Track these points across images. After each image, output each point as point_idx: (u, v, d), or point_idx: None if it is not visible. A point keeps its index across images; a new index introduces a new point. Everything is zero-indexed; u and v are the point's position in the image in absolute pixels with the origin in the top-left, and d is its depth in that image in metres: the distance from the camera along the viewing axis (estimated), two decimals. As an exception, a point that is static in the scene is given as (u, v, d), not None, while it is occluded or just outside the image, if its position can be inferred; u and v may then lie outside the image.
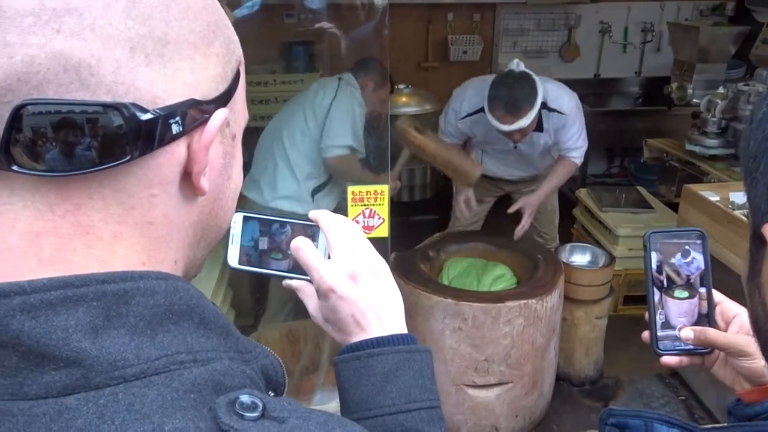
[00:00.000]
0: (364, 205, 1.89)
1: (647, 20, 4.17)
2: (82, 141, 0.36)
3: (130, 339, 0.37)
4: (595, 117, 3.84)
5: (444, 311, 2.18)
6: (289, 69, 3.66)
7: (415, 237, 2.72)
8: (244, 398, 0.38)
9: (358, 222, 1.91)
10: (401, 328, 0.62)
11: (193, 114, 0.40)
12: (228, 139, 0.46)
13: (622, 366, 2.71)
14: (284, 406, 0.40)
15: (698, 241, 0.72)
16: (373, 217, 1.91)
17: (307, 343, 2.33)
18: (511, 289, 2.32)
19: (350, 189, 1.89)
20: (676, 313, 0.72)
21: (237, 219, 0.64)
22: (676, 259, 0.72)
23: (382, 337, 0.60)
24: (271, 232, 0.64)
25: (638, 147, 3.36)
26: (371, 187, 1.90)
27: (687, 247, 0.72)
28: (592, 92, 4.21)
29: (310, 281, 0.62)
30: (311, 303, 0.63)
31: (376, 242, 2.07)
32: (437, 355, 2.24)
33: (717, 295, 0.73)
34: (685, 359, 0.73)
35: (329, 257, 0.61)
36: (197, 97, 0.41)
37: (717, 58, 3.20)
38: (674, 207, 2.86)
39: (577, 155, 2.55)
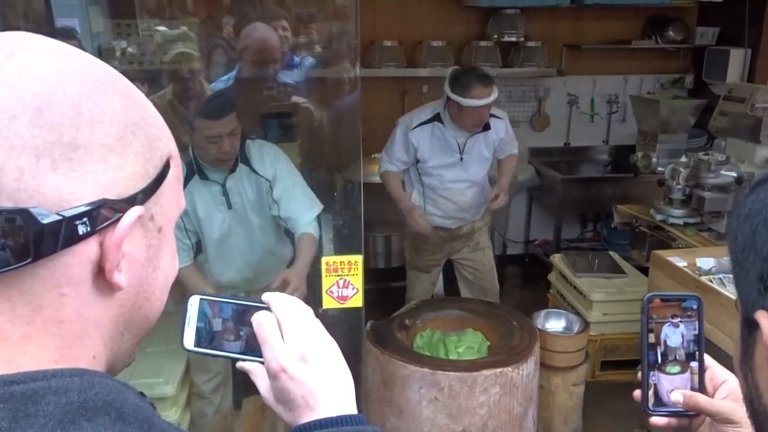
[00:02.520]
0: (338, 275, 1.90)
1: (612, 92, 4.37)
2: None
3: None
4: (568, 184, 3.96)
5: (420, 381, 2.16)
6: (268, 139, 3.73)
7: (391, 303, 2.73)
8: None
9: (332, 293, 1.92)
10: (351, 409, 0.63)
11: (104, 213, 0.42)
12: (153, 233, 0.47)
13: (602, 434, 2.69)
14: None
15: (694, 307, 0.74)
16: (347, 287, 1.92)
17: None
18: (486, 357, 2.32)
19: (324, 259, 1.91)
20: (668, 388, 0.74)
21: (193, 301, 0.65)
22: (671, 334, 0.74)
23: (331, 418, 0.61)
24: (226, 315, 0.66)
25: (610, 213, 3.45)
26: (345, 258, 1.93)
27: (680, 320, 0.74)
28: (564, 160, 4.36)
29: (262, 362, 0.63)
30: (263, 384, 0.64)
31: (351, 310, 2.06)
32: (415, 427, 2.21)
33: (707, 360, 0.76)
34: (673, 421, 0.75)
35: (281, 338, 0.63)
36: (111, 196, 0.42)
37: (678, 128, 3.35)
38: (646, 271, 2.92)
39: (515, 149, 3.05)
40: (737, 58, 3.80)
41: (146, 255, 0.47)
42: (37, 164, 0.39)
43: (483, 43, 4.00)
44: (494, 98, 2.67)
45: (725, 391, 0.73)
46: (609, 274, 3.18)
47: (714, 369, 0.76)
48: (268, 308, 0.65)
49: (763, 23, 3.77)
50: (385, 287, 3.80)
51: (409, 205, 2.95)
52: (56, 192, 0.40)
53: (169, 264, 0.51)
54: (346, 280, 1.90)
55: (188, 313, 0.65)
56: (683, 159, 2.99)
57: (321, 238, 2.41)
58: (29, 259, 0.39)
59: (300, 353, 0.62)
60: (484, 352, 2.39)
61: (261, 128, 3.71)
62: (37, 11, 3.16)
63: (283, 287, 2.06)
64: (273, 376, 0.62)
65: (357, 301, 1.92)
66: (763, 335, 0.47)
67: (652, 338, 0.74)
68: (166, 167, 0.48)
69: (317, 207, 2.33)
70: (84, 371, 0.41)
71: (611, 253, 3.49)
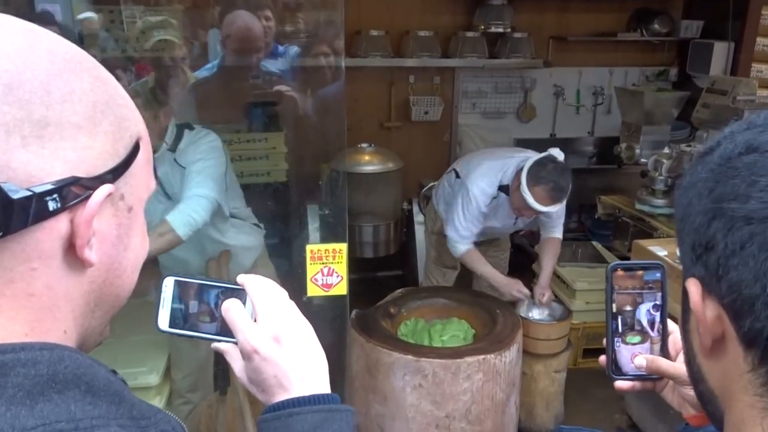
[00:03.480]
0: (323, 263, 1.91)
1: (597, 84, 4.39)
2: None
3: (5, 409, 0.38)
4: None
5: (404, 368, 2.18)
6: (253, 128, 3.72)
7: (378, 293, 2.74)
8: None
9: (316, 280, 1.93)
10: (324, 389, 0.64)
11: (74, 190, 0.42)
12: (123, 212, 0.48)
13: (583, 419, 2.73)
14: None
15: (657, 274, 0.76)
16: (331, 275, 1.93)
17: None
18: (469, 344, 2.35)
19: (309, 247, 1.91)
20: (628, 358, 0.77)
21: (168, 283, 0.66)
22: (631, 308, 0.76)
23: (303, 397, 0.62)
24: (201, 296, 0.66)
25: (593, 204, 3.49)
26: (330, 246, 1.94)
27: (643, 290, 0.76)
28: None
29: (236, 344, 0.64)
30: (237, 365, 0.65)
31: (336, 299, 2.07)
32: (399, 413, 2.23)
33: (671, 326, 0.78)
34: (637, 384, 0.78)
35: (255, 320, 0.64)
36: (80, 174, 0.43)
37: (661, 120, 3.39)
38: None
39: (560, 233, 2.82)
40: (720, 52, 3.83)
41: (117, 233, 0.47)
42: (7, 140, 0.40)
43: (470, 34, 4.00)
44: (558, 209, 2.49)
45: None
46: (592, 264, 3.22)
47: (677, 334, 0.79)
48: (242, 289, 0.66)
49: (746, 17, 3.81)
50: (371, 277, 3.82)
51: (510, 283, 2.69)
52: (26, 168, 0.40)
53: (140, 244, 0.51)
54: (330, 268, 1.91)
55: (162, 294, 0.66)
56: (666, 150, 3.03)
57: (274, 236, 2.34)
58: (0, 234, 0.39)
59: (273, 334, 0.62)
60: (470, 339, 2.41)
61: (246, 117, 3.71)
62: (17, -6, 3.12)
63: None
64: (246, 356, 0.63)
65: (341, 288, 1.93)
66: (691, 302, 0.49)
67: (615, 307, 0.76)
68: (136, 148, 0.49)
69: (204, 195, 2.06)
70: (54, 345, 0.42)
71: (594, 243, 3.53)
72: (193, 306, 0.66)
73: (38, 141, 0.41)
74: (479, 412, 2.21)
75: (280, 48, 3.54)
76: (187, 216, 2.01)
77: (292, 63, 3.57)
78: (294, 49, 3.57)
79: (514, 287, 2.67)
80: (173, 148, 2.14)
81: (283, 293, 0.66)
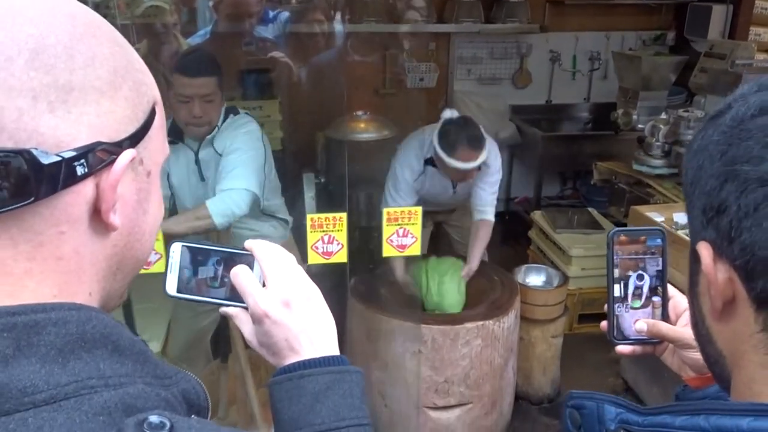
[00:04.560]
0: (323, 231, 1.91)
1: (594, 49, 4.35)
2: None
3: (40, 367, 0.39)
4: (548, 141, 3.97)
5: (404, 334, 2.21)
6: (247, 96, 3.68)
7: (376, 261, 2.75)
8: (153, 418, 0.40)
9: (317, 248, 1.94)
10: (333, 351, 0.65)
11: (99, 155, 0.43)
12: (142, 176, 0.48)
13: (579, 383, 2.78)
14: (192, 424, 0.42)
15: (658, 240, 0.77)
16: (332, 243, 1.94)
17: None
18: (468, 310, 2.37)
19: (309, 216, 1.91)
20: (629, 323, 0.78)
21: (176, 248, 0.66)
22: (633, 273, 0.77)
23: (314, 359, 0.63)
24: (209, 262, 0.67)
25: (589, 170, 3.49)
26: (330, 214, 1.93)
27: (644, 255, 0.76)
28: (545, 117, 4.36)
29: (245, 308, 0.65)
30: (246, 328, 0.66)
31: (336, 266, 2.07)
32: (399, 379, 2.26)
33: (671, 290, 0.79)
34: (638, 348, 0.79)
35: (264, 285, 0.64)
36: (103, 139, 0.43)
37: (659, 85, 3.37)
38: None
39: (492, 214, 2.64)
40: (719, 14, 3.79)
41: (137, 198, 0.48)
42: (35, 106, 0.40)
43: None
44: (483, 159, 2.36)
45: (686, 319, 0.77)
46: (588, 230, 3.24)
47: (677, 298, 0.80)
48: (250, 254, 0.66)
49: (744, -21, 3.77)
50: (370, 244, 3.82)
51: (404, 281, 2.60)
52: (54, 133, 0.41)
53: (157, 208, 0.52)
54: (331, 236, 1.91)
55: (170, 260, 0.66)
56: (663, 116, 3.02)
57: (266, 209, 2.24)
58: (32, 199, 0.40)
59: (283, 298, 0.63)
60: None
61: (240, 85, 3.66)
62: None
63: None
64: (257, 320, 0.64)
65: (342, 256, 1.93)
66: (702, 265, 0.50)
67: (617, 273, 0.77)
68: (153, 112, 0.49)
69: (247, 188, 2.03)
70: (81, 306, 0.43)
71: (590, 209, 3.55)
72: (202, 271, 0.67)
73: (64, 106, 0.41)
74: (477, 377, 2.25)
75: (271, 13, 3.48)
76: (227, 207, 1.99)
77: (284, 29, 3.51)
78: (285, 14, 3.50)
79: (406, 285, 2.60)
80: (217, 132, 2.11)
81: (291, 258, 0.67)
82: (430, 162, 2.51)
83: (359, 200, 3.64)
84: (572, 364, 2.77)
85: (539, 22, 4.13)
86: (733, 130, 0.48)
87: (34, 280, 0.42)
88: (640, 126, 3.27)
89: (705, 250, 0.50)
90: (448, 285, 2.46)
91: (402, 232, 1.90)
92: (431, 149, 2.45)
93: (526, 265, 2.88)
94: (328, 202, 2.95)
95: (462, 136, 2.34)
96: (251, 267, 0.66)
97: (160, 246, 1.74)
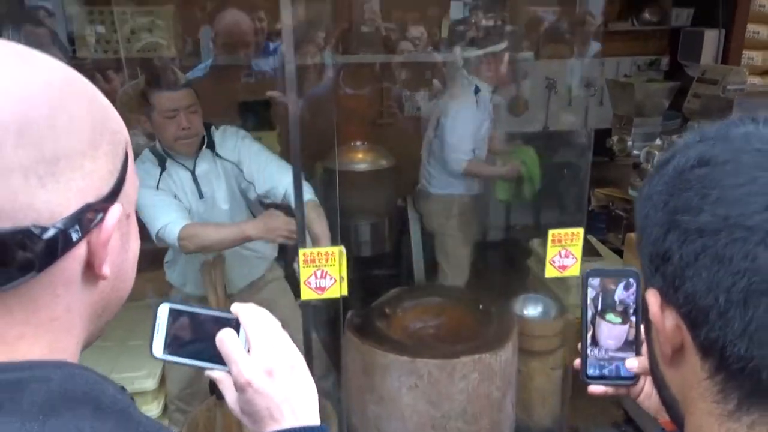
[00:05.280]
0: (316, 266, 1.91)
1: (588, 76, 4.38)
2: None
3: (20, 425, 0.39)
4: (546, 168, 3.98)
5: (400, 369, 2.19)
6: (246, 127, 3.71)
7: (374, 291, 2.74)
8: None
9: (309, 283, 1.93)
10: (314, 421, 0.65)
11: (89, 216, 0.44)
12: (123, 221, 0.49)
13: (580, 415, 2.75)
14: None
15: (632, 280, 0.77)
16: (325, 278, 1.93)
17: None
18: (464, 343, 2.35)
19: (302, 251, 1.91)
20: (606, 335, 0.77)
21: (162, 310, 0.67)
22: (615, 288, 0.77)
23: (294, 428, 0.63)
24: (195, 324, 0.67)
25: (587, 196, 3.49)
26: (323, 249, 1.93)
27: (626, 280, 0.77)
28: (542, 144, 4.37)
29: (229, 372, 0.65)
30: (230, 394, 0.66)
31: (331, 299, 2.02)
32: (395, 413, 2.24)
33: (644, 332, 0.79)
34: (610, 389, 0.79)
35: (248, 350, 0.64)
36: (91, 199, 0.44)
37: (653, 111, 3.38)
38: (622, 254, 2.96)
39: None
40: (711, 39, 3.82)
41: (120, 243, 0.49)
42: (27, 183, 0.41)
43: (460, 28, 3.98)
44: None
45: None
46: (586, 257, 3.21)
47: None
48: (236, 319, 0.66)
49: (736, 3, 3.80)
50: (366, 275, 3.81)
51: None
52: (48, 206, 0.42)
53: (136, 243, 0.53)
54: (323, 271, 1.91)
55: (157, 321, 0.66)
56: (658, 142, 3.02)
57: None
58: (33, 272, 0.41)
59: (266, 367, 0.64)
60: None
61: (239, 117, 3.70)
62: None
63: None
64: (240, 389, 0.64)
65: (335, 291, 1.93)
66: (650, 313, 0.51)
67: (590, 313, 0.77)
68: (126, 156, 0.50)
69: (288, 172, 2.21)
70: (65, 363, 0.44)
71: (589, 236, 3.53)
72: (188, 334, 0.67)
73: (53, 178, 0.43)
74: (475, 412, 2.22)
75: (271, 46, 3.53)
76: (311, 191, 2.17)
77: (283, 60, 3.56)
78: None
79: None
80: (210, 146, 2.20)
81: (276, 324, 0.67)
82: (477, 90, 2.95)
83: (357, 231, 3.65)
84: (572, 396, 2.73)
85: (534, 49, 4.17)
86: (675, 181, 0.49)
87: (26, 343, 0.43)
88: (635, 152, 3.27)
89: (652, 298, 0.51)
90: None
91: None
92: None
93: (523, 295, 2.86)
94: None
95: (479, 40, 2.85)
96: (237, 330, 0.66)
97: (335, 271, 1.83)
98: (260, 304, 0.68)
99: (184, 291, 2.35)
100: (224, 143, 2.23)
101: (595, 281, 0.77)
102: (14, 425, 0.39)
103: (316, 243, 2.05)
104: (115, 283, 0.50)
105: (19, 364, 0.41)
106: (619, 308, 0.77)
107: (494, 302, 2.59)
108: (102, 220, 0.45)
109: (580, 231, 2.05)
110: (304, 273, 1.93)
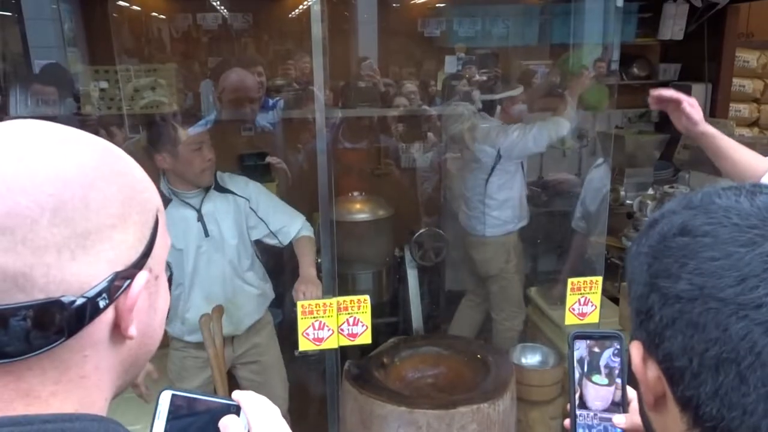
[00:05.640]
0: (314, 317, 1.93)
1: (581, 127, 4.49)
2: (23, 332, 0.43)
3: None
4: (543, 217, 4.04)
5: (398, 419, 2.17)
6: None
7: (372, 340, 2.73)
8: None
9: (308, 335, 1.95)
10: None
11: (117, 284, 0.47)
12: (151, 283, 0.52)
13: (581, 466, 2.70)
14: None
15: (616, 343, 0.80)
16: (322, 329, 1.95)
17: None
18: (462, 394, 2.34)
19: (299, 303, 1.93)
20: (594, 397, 0.80)
21: (165, 396, 0.67)
22: (601, 352, 0.80)
23: None
24: (197, 410, 0.68)
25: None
26: (321, 301, 1.95)
27: (610, 342, 0.80)
28: (538, 194, 4.44)
29: None
30: None
31: (326, 351, 2.02)
32: (393, 466, 2.21)
33: (631, 393, 0.81)
34: None
35: None
36: (119, 268, 0.48)
37: (644, 162, 3.47)
38: (618, 301, 2.98)
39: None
40: (698, 93, 3.94)
41: (149, 303, 0.52)
42: (60, 258, 0.45)
43: (455, 82, 4.11)
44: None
45: None
46: (583, 306, 3.23)
47: (635, 403, 0.81)
48: (237, 405, 0.68)
49: (721, 58, 3.94)
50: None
51: None
52: (78, 278, 0.45)
53: (165, 302, 0.56)
54: (321, 322, 1.93)
55: (158, 407, 0.67)
56: (650, 191, 3.09)
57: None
58: (63, 338, 0.45)
59: None
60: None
61: (239, 168, 3.77)
62: (14, 52, 3.20)
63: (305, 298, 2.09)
64: None
65: (332, 342, 1.94)
66: (632, 364, 0.54)
67: (577, 374, 0.80)
68: (156, 221, 0.53)
69: (301, 216, 2.49)
70: (101, 418, 0.48)
71: (585, 284, 3.55)
72: (189, 420, 0.67)
73: (83, 251, 0.46)
74: (475, 463, 2.19)
75: (270, 101, 3.64)
76: (310, 228, 2.44)
77: (281, 115, 3.68)
78: (281, 102, 3.69)
79: None
80: (219, 188, 2.34)
81: (276, 411, 0.69)
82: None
83: (355, 280, 3.66)
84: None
85: (527, 101, 4.29)
86: (659, 245, 0.52)
87: (58, 399, 0.47)
88: (628, 201, 3.34)
89: (635, 349, 0.54)
90: None
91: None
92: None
93: (521, 344, 2.86)
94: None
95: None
96: (238, 416, 0.67)
97: (333, 322, 1.90)
98: (256, 347, 0.71)
99: (185, 340, 2.37)
100: (234, 184, 2.39)
101: (581, 344, 0.80)
102: None
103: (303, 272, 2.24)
104: (142, 340, 0.53)
105: (62, 416, 0.45)
106: (605, 371, 0.80)
107: (491, 351, 2.59)
108: (129, 286, 0.48)
109: (599, 279, 2.09)
110: (302, 324, 1.95)
